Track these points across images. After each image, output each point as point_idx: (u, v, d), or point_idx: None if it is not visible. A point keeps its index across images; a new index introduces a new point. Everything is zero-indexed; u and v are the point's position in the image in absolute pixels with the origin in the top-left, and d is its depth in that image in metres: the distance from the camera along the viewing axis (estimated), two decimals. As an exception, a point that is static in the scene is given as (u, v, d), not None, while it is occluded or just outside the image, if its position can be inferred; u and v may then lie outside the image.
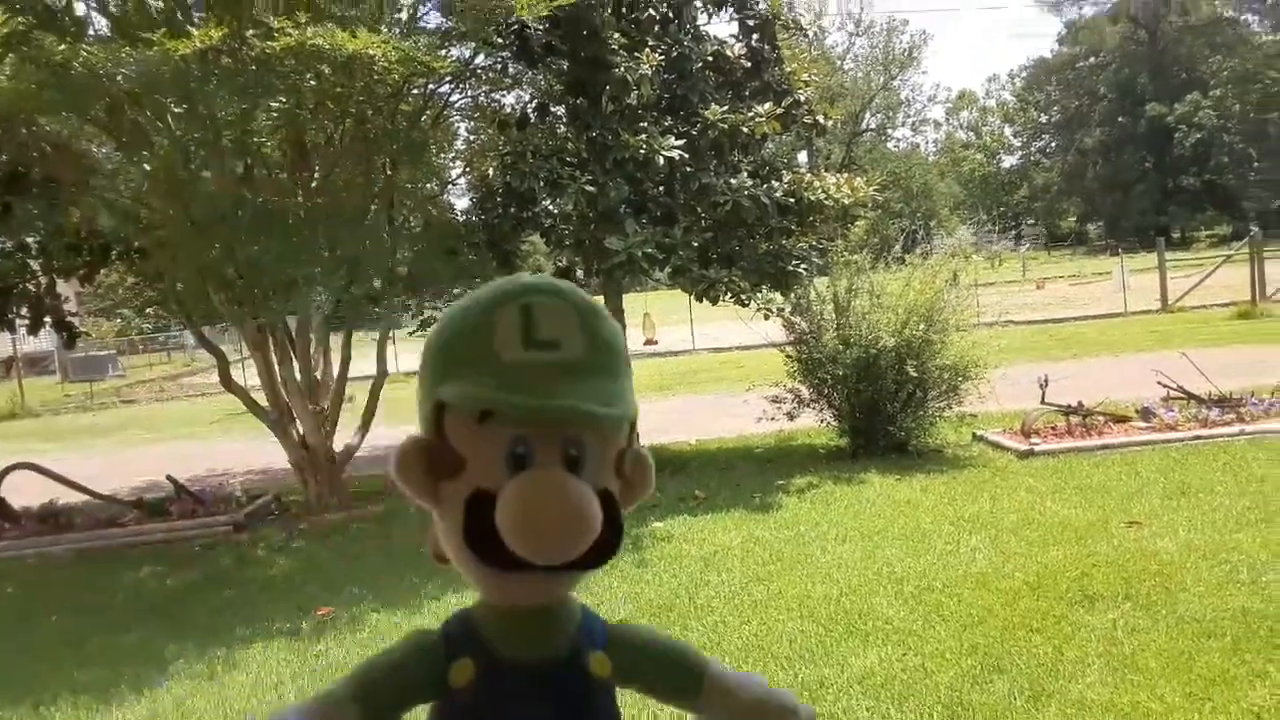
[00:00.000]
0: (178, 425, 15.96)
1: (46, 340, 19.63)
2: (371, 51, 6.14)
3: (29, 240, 8.25)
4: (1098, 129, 56.20)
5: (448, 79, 7.90)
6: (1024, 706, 3.44)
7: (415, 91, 7.82)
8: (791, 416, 8.24)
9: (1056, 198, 62.48)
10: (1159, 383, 8.39)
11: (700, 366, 17.71)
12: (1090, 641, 3.94)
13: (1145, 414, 7.90)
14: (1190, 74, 52.93)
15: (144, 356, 33.65)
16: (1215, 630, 3.93)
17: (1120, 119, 54.44)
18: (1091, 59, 58.87)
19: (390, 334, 8.67)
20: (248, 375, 10.08)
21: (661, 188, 8.27)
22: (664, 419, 10.64)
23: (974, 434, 8.16)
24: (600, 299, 7.98)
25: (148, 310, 9.30)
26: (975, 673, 3.74)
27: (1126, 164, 53.84)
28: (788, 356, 8.27)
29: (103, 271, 9.08)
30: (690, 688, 1.06)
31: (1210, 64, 51.95)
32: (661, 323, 22.21)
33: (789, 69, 8.87)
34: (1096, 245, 54.91)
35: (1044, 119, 64.89)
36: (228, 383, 7.97)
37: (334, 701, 0.97)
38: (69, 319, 8.96)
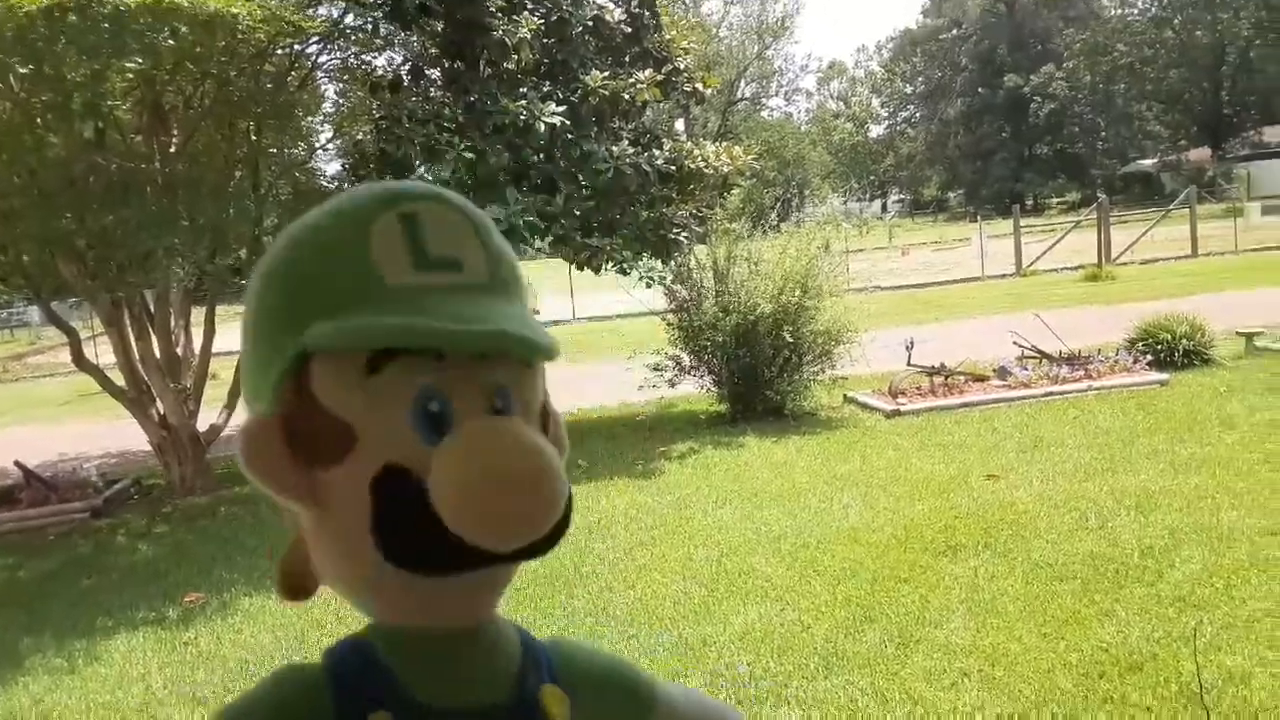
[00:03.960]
0: (24, 408, 14.95)
1: None
2: (234, 9, 5.84)
3: None
4: (959, 99, 58.44)
5: (315, 39, 7.60)
6: (894, 653, 3.61)
7: (281, 52, 7.50)
8: (672, 384, 8.35)
9: (920, 166, 64.96)
10: (1014, 343, 8.86)
11: (581, 336, 17.70)
12: (954, 589, 4.17)
13: (1002, 373, 8.34)
14: (1045, 46, 55.52)
15: (-17, 334, 31.40)
16: (1067, 574, 4.21)
17: (980, 90, 56.69)
18: (954, 31, 61.06)
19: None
20: (101, 353, 9.52)
21: (542, 155, 8.15)
22: (545, 388, 10.59)
23: (845, 396, 8.45)
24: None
25: (-14, 285, 8.65)
26: (848, 623, 3.90)
27: (986, 133, 56.22)
28: (668, 324, 8.36)
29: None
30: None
31: (1064, 36, 54.57)
32: (541, 292, 22.03)
33: (668, 36, 8.86)
34: (957, 212, 57.29)
35: (909, 90, 67.13)
36: (80, 361, 7.53)
37: None
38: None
